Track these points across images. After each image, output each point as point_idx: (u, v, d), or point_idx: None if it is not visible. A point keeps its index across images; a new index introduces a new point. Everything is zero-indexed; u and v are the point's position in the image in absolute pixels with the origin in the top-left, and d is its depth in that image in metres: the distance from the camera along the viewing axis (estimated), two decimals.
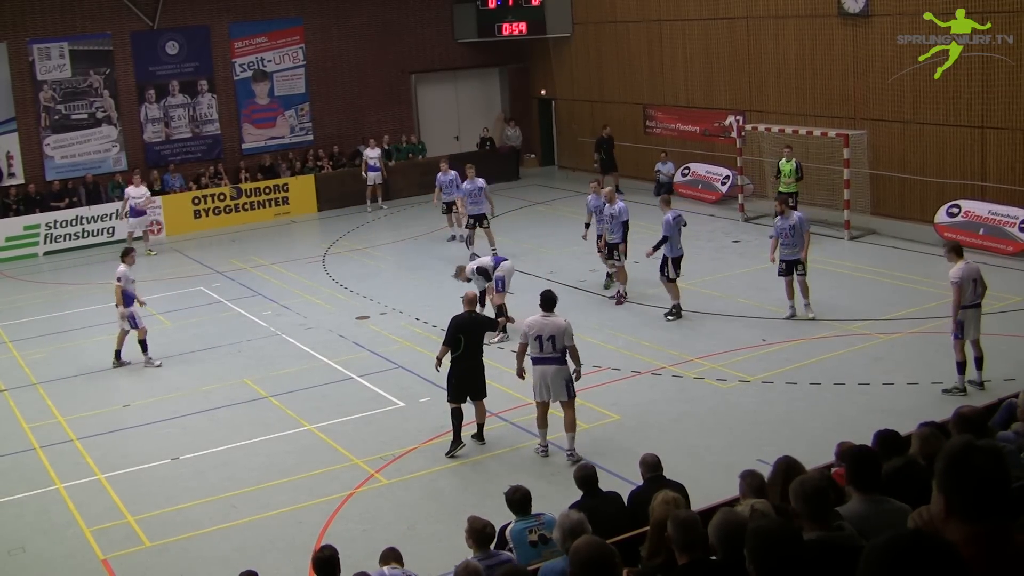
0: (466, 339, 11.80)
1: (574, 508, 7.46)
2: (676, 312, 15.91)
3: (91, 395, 14.46)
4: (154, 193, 25.12)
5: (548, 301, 11.36)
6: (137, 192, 22.80)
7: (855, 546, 4.28)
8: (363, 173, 26.33)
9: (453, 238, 22.21)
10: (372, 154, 26.41)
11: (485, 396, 11.93)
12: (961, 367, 12.37)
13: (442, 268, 20.22)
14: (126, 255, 15.60)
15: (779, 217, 15.44)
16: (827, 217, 21.06)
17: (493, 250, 19.65)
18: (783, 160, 20.65)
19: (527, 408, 12.69)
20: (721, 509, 5.00)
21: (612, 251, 16.93)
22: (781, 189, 20.29)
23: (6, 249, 23.34)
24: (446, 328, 11.96)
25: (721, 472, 10.03)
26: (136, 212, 22.78)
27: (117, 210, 23.69)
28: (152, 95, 26.08)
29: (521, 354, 11.43)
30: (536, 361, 11.22)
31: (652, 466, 8.10)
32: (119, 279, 15.19)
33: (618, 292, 16.98)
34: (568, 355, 11.22)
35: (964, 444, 2.90)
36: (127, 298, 15.19)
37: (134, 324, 15.24)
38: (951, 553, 2.53)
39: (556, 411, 11.49)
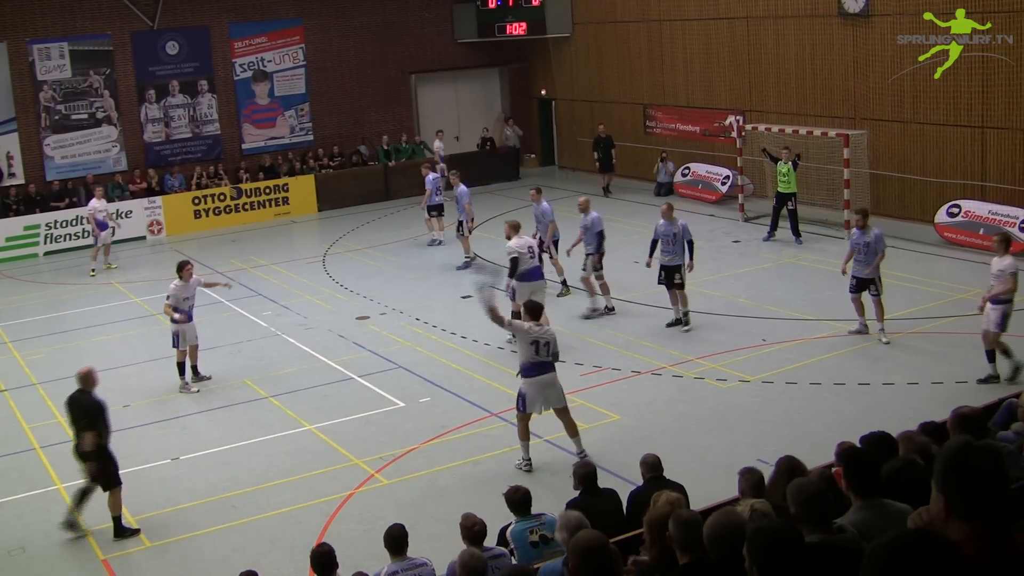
0: (69, 420, 10.38)
1: (572, 506, 7.49)
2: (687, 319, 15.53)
3: None
4: (154, 193, 25.20)
5: (536, 311, 11.12)
6: (101, 205, 21.71)
7: (857, 549, 4.27)
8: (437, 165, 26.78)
9: (433, 242, 22.08)
10: (438, 146, 27.31)
11: (112, 487, 10.30)
12: (992, 355, 12.37)
13: (442, 268, 20.26)
14: (181, 269, 14.22)
15: (856, 230, 14.39)
16: (827, 217, 21.08)
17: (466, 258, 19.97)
18: (780, 162, 20.42)
19: None
20: (720, 510, 5.00)
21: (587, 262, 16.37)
22: (780, 189, 20.19)
23: (6, 249, 23.35)
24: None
25: (721, 472, 10.03)
26: (101, 225, 21.58)
27: (89, 226, 22.21)
28: (152, 95, 26.09)
29: (507, 320, 11.31)
30: (534, 370, 10.85)
31: (652, 466, 8.10)
32: (167, 296, 14.11)
33: (605, 306, 16.40)
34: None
35: (963, 444, 2.90)
36: (180, 314, 14.07)
37: (175, 342, 14.15)
38: (953, 553, 2.53)
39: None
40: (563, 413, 11.11)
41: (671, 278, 15.36)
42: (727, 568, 4.47)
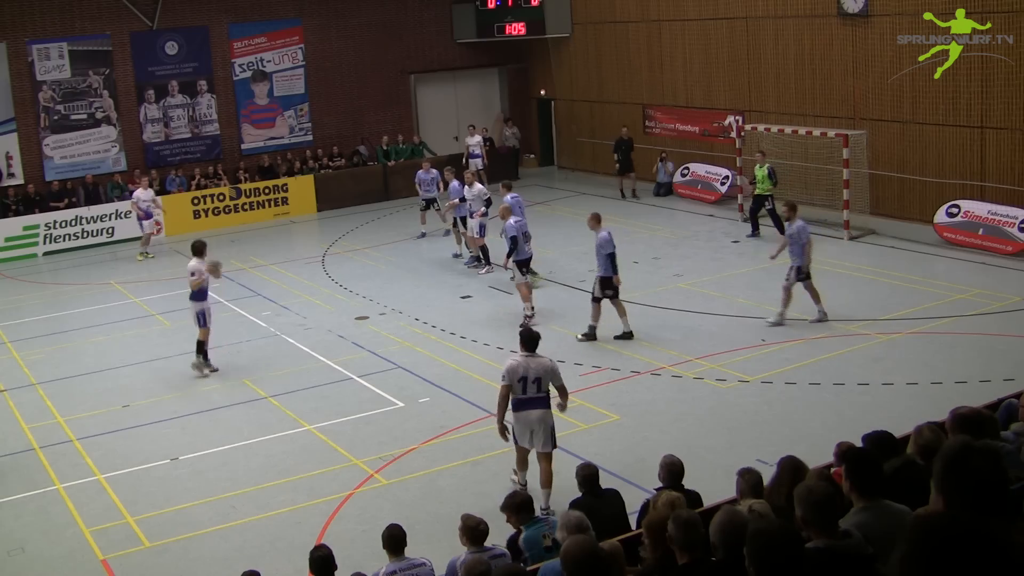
0: None
1: (574, 506, 7.48)
2: (592, 334, 15.07)
3: (91, 395, 14.45)
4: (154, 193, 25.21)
5: (531, 340, 10.13)
6: (146, 195, 22.91)
7: (863, 555, 4.26)
8: (463, 160, 26.79)
9: (423, 235, 22.78)
10: (473, 141, 27.27)
11: None
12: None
13: (441, 268, 20.26)
14: (200, 250, 14.65)
15: (787, 222, 15.57)
16: (827, 217, 21.07)
17: (470, 251, 20.29)
18: (756, 166, 20.80)
19: None
20: (723, 508, 4.99)
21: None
22: (756, 193, 20.59)
23: (6, 249, 23.34)
24: None
25: (720, 472, 10.02)
26: (146, 214, 22.86)
27: (143, 218, 23.03)
28: (151, 95, 26.08)
29: (504, 402, 10.02)
30: (518, 406, 10.02)
31: (675, 475, 7.67)
32: (192, 273, 14.39)
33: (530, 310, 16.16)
34: (558, 393, 10.24)
35: (961, 445, 2.90)
36: (201, 292, 14.54)
37: (202, 322, 14.53)
38: (1004, 544, 2.51)
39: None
40: (543, 459, 10.12)
41: (604, 289, 14.91)
42: (727, 568, 4.47)
